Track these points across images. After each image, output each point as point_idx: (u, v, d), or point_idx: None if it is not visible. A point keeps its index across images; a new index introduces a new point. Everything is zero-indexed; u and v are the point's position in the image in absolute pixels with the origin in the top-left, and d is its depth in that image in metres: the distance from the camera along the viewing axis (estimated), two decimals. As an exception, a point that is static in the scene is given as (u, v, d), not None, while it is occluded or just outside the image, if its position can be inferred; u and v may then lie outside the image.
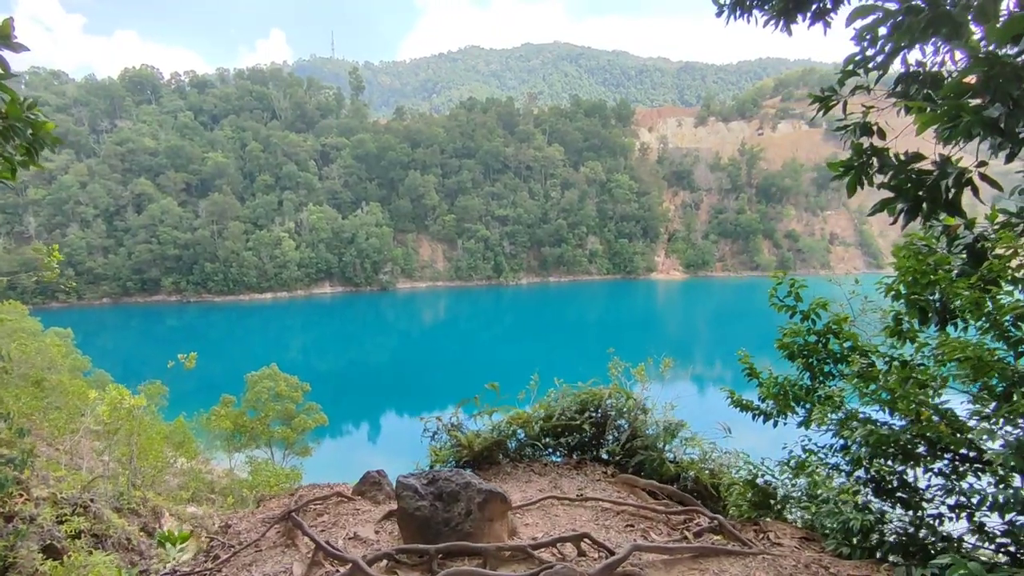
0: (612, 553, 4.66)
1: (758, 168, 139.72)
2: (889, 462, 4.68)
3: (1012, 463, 3.80)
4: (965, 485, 4.36)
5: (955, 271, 4.11)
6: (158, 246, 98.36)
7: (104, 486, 8.37)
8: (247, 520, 6.25)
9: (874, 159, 3.38)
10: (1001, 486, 4.18)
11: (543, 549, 4.87)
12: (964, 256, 3.59)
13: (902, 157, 3.24)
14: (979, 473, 4.35)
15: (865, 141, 3.54)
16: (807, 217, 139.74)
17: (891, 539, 4.60)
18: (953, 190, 2.96)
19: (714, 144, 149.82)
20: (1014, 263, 3.80)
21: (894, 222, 3.52)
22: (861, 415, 4.79)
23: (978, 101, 2.83)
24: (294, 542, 5.42)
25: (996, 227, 3.63)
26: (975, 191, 3.04)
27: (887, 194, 3.38)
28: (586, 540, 4.93)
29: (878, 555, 4.62)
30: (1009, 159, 3.28)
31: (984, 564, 3.77)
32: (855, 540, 4.74)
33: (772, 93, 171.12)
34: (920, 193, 3.06)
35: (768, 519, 5.79)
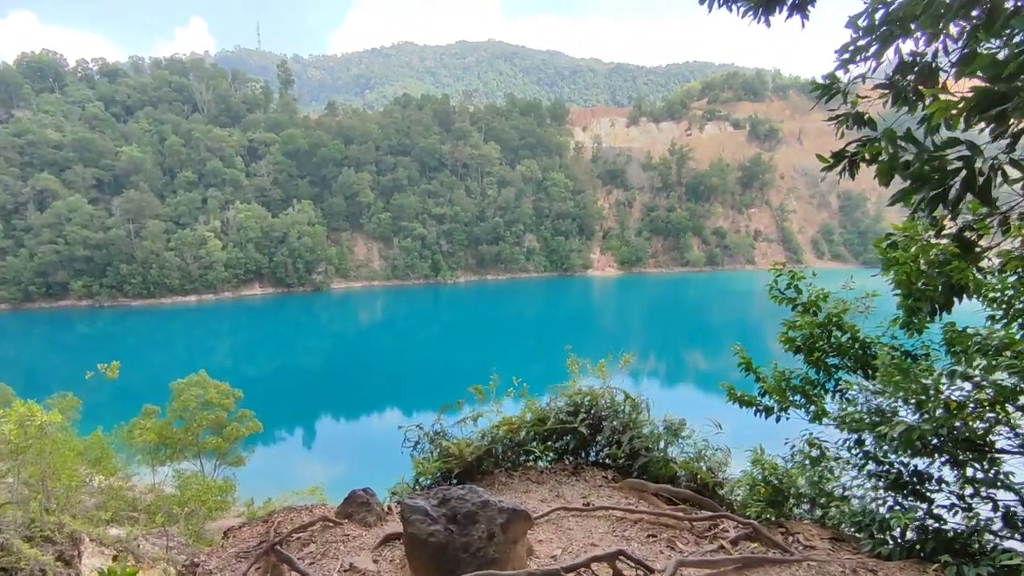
0: (651, 571, 4.30)
1: (687, 168, 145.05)
2: (903, 456, 4.53)
3: None
4: (970, 473, 4.27)
5: (940, 259, 4.21)
6: (65, 247, 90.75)
7: (12, 513, 7.50)
8: (218, 557, 5.49)
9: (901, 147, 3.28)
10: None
11: (576, 571, 4.40)
12: (954, 246, 3.66)
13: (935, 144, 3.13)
14: (978, 462, 4.30)
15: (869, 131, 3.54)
16: (733, 215, 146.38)
17: (932, 536, 4.43)
18: (983, 177, 2.92)
19: (645, 144, 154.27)
20: (1008, 246, 3.86)
21: (913, 212, 3.50)
22: (887, 409, 4.70)
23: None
24: None
25: (978, 216, 3.70)
26: (1005, 177, 3.02)
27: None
28: (621, 558, 4.48)
29: (919, 553, 4.44)
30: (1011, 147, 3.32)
31: None
32: (893, 539, 4.59)
33: (699, 96, 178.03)
34: (949, 181, 2.98)
35: (790, 520, 5.59)
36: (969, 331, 4.47)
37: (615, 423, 7.01)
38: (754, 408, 5.64)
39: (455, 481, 6.79)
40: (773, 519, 5.56)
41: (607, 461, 7.13)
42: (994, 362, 4.05)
